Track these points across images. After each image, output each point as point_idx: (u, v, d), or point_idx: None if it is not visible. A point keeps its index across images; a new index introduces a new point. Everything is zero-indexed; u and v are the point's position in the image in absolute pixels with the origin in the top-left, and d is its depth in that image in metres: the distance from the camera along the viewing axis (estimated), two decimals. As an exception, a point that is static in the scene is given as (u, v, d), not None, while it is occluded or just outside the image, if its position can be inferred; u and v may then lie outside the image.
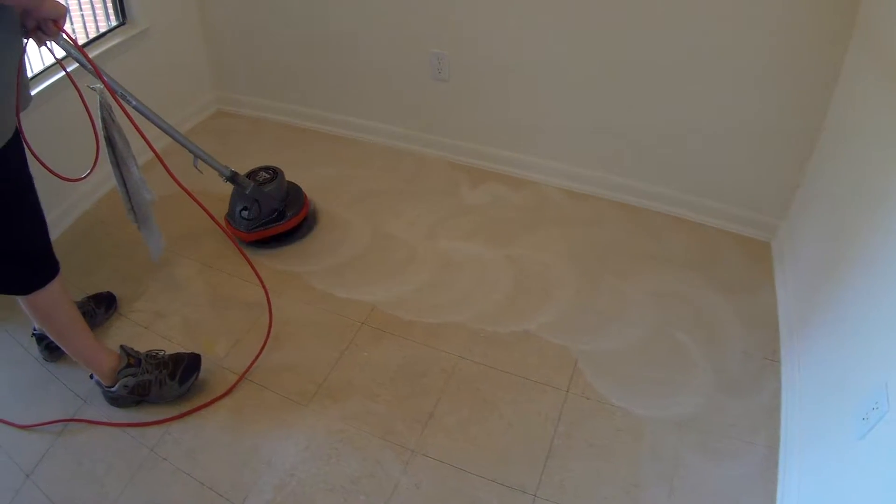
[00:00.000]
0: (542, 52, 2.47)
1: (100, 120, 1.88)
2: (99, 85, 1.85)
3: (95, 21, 2.71)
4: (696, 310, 2.21)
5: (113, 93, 1.84)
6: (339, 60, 2.91)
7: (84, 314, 2.13)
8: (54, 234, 2.52)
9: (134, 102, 1.97)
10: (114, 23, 2.76)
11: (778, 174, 2.34)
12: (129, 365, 1.91)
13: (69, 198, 2.61)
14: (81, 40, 2.49)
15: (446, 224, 2.59)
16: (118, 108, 1.81)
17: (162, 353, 1.99)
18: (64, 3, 1.61)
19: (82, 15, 2.65)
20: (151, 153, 1.81)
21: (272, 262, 2.44)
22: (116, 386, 1.90)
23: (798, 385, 1.86)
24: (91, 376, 1.93)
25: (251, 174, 2.43)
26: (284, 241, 2.50)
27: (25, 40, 1.60)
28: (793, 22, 2.06)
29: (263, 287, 2.07)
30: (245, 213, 2.37)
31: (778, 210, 2.41)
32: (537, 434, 1.85)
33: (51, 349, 2.07)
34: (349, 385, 2.00)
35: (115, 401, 1.95)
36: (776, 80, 2.17)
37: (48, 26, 1.58)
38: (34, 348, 2.10)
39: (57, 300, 1.78)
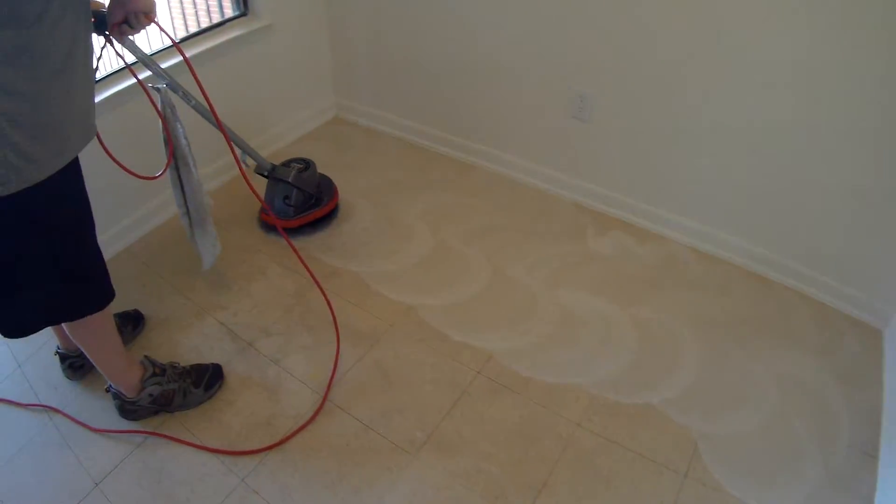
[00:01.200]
0: (688, 106, 2.31)
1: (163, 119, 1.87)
2: (162, 85, 1.83)
3: (221, 9, 2.69)
4: (811, 396, 2.05)
5: (207, 96, 1.81)
6: (471, 84, 2.81)
7: None
8: (139, 234, 2.57)
9: (193, 102, 1.96)
10: (234, 13, 2.73)
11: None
12: (154, 374, 1.85)
13: (156, 199, 2.60)
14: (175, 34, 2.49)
15: (569, 272, 2.46)
16: (186, 106, 1.83)
17: (181, 364, 1.95)
18: None
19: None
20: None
21: (388, 292, 2.36)
22: (141, 396, 1.83)
23: (893, 483, 1.75)
24: (108, 389, 1.85)
25: (285, 165, 2.53)
26: (321, 226, 2.64)
27: (102, 42, 1.54)
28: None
29: (320, 288, 1.99)
30: (288, 201, 2.52)
31: (894, 297, 2.22)
32: (653, 520, 1.72)
33: (74, 368, 1.99)
34: (460, 438, 1.89)
35: (132, 413, 1.87)
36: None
37: (139, 19, 1.51)
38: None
39: (106, 322, 1.72)
